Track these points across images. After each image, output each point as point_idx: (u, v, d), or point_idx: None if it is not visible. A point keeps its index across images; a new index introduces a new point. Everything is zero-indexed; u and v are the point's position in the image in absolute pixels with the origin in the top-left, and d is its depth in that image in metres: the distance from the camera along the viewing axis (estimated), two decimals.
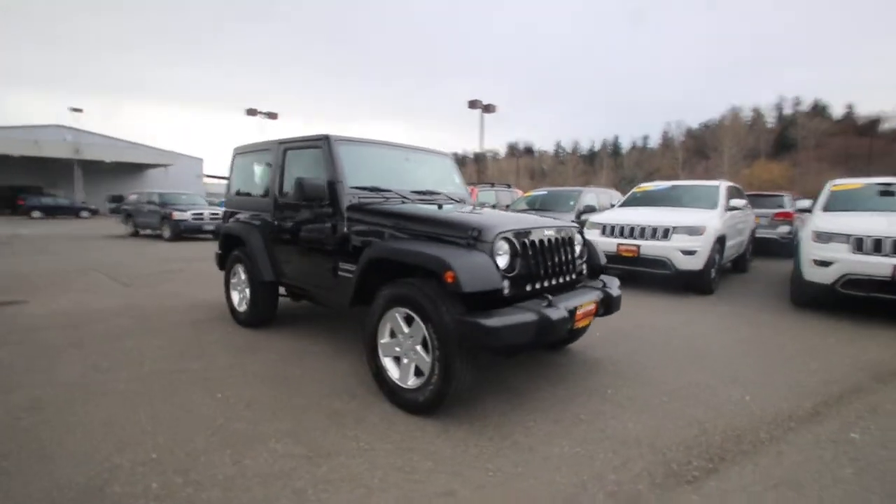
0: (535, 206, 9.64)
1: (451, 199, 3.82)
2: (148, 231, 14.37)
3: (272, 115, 22.84)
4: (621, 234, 6.32)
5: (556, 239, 2.94)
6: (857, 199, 5.86)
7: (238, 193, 4.49)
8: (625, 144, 76.37)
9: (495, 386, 2.96)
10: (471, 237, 2.50)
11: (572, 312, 2.59)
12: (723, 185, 7.21)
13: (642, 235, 6.13)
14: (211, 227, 12.67)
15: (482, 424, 2.47)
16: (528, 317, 2.34)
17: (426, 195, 3.65)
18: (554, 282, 2.86)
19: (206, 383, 2.97)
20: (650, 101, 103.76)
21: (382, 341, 2.72)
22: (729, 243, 6.67)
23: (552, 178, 62.79)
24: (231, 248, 4.41)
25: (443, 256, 2.33)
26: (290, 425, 2.43)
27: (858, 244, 4.67)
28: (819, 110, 62.87)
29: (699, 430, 2.46)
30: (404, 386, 2.59)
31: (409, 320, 2.58)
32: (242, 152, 4.50)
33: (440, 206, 3.16)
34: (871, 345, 4.00)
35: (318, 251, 3.38)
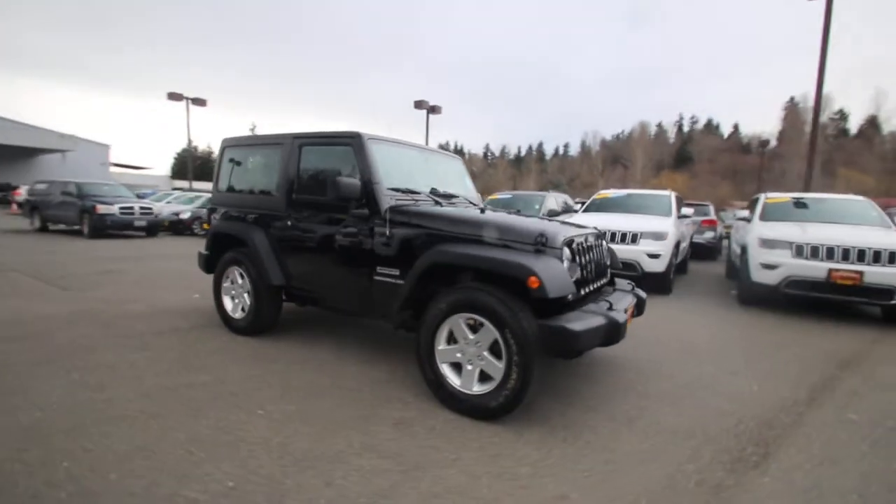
0: (500, 208, 9.88)
1: (470, 202, 3.83)
2: (61, 226, 12.48)
3: (199, 102, 20.78)
4: None
5: (594, 244, 3.09)
6: (785, 210, 6.80)
7: (231, 190, 4.10)
8: (548, 151, 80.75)
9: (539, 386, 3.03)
10: (539, 243, 2.54)
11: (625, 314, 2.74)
12: (672, 194, 7.96)
13: (613, 240, 6.57)
14: (143, 223, 11.31)
15: (550, 426, 2.52)
16: (599, 320, 2.44)
17: (448, 198, 3.62)
18: (596, 285, 3.00)
19: (234, 399, 2.69)
20: (571, 112, 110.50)
21: (440, 348, 2.67)
22: (680, 247, 7.38)
23: (483, 181, 64.41)
24: (223, 249, 4.02)
25: (526, 262, 2.35)
26: (360, 439, 2.30)
27: (799, 250, 5.42)
28: (712, 129, 71.27)
29: (735, 419, 2.72)
30: (469, 392, 2.56)
31: (472, 326, 2.56)
32: (236, 145, 4.12)
33: (483, 210, 3.16)
34: (821, 337, 4.68)
35: (348, 254, 3.21)
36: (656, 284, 6.60)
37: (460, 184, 4.13)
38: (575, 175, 66.26)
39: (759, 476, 2.14)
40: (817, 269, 5.24)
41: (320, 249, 3.38)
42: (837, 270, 5.11)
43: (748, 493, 2.01)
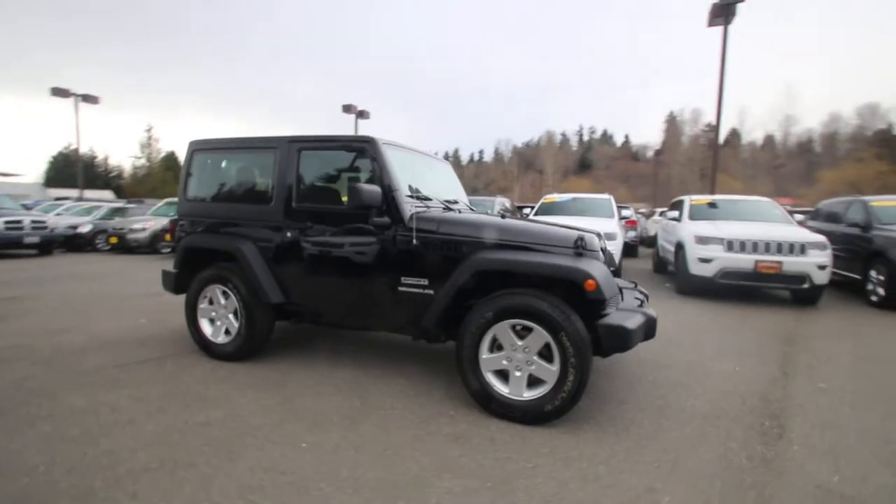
0: None
1: (470, 207, 3.84)
2: None
3: (91, 99, 17.95)
4: None
5: (605, 245, 3.26)
6: (708, 210, 7.73)
7: (204, 199, 3.65)
8: (464, 157, 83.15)
9: None
10: (580, 247, 2.62)
11: None
12: (611, 198, 8.65)
13: None
14: (35, 240, 9.51)
15: (595, 423, 2.60)
16: (641, 317, 2.58)
17: (452, 203, 3.59)
18: None
19: (263, 433, 2.41)
20: (483, 120, 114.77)
21: (484, 357, 2.63)
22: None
23: None
24: (196, 265, 3.57)
25: (581, 266, 2.41)
26: (428, 460, 2.19)
27: (730, 245, 6.19)
28: (607, 138, 78.56)
29: (739, 398, 3.04)
30: (520, 399, 2.55)
31: (518, 332, 2.57)
32: (209, 148, 3.67)
33: (503, 216, 3.17)
34: (758, 319, 5.38)
35: (366, 266, 3.03)
36: None
37: (454, 188, 4.10)
38: (490, 180, 68.96)
39: (788, 445, 2.41)
40: (746, 261, 6.03)
41: (330, 261, 3.14)
42: (762, 261, 5.94)
43: (789, 461, 2.25)
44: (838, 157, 56.67)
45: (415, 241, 2.89)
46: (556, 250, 2.66)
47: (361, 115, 19.47)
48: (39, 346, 3.79)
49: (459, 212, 3.31)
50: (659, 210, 16.31)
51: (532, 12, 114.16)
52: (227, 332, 3.49)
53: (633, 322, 2.45)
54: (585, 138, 79.88)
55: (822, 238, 6.05)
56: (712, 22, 10.59)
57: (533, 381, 2.57)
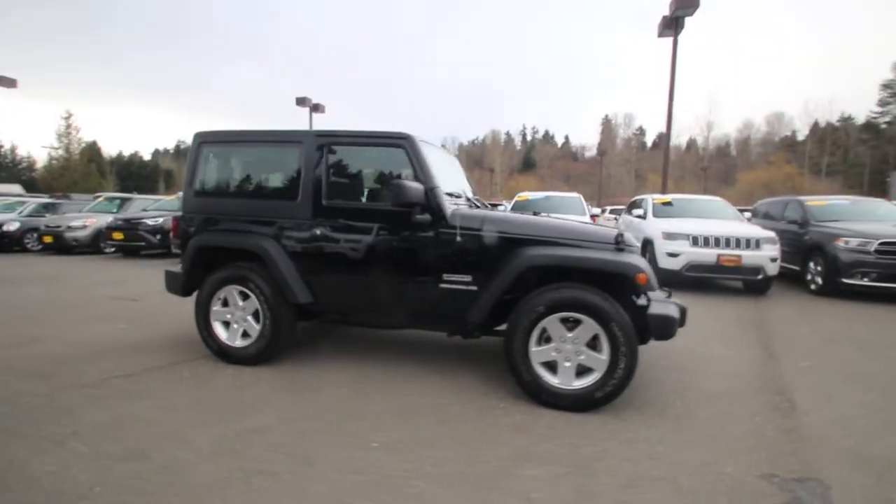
0: None
1: (486, 204, 3.91)
2: None
3: (6, 82, 15.63)
4: None
5: None
6: (668, 208, 8.34)
7: (215, 194, 3.43)
8: None
9: None
10: (620, 242, 2.79)
11: None
12: (580, 196, 9.08)
13: None
14: None
15: (635, 407, 2.78)
16: (676, 308, 2.80)
17: (477, 200, 3.65)
18: None
19: (327, 436, 2.35)
20: (430, 116, 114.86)
21: (534, 349, 2.73)
22: None
23: None
24: (207, 265, 3.35)
25: (632, 261, 2.57)
26: (502, 450, 2.24)
27: (695, 240, 6.75)
28: (549, 139, 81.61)
29: (743, 379, 3.36)
30: (569, 388, 2.68)
31: (567, 324, 2.69)
32: (218, 141, 3.45)
33: (535, 213, 3.27)
34: (724, 307, 5.92)
35: (406, 264, 3.01)
36: None
37: (465, 184, 4.15)
38: None
39: (801, 417, 2.72)
40: (710, 255, 6.60)
41: (366, 260, 3.09)
42: (724, 255, 6.53)
43: (809, 429, 2.55)
44: (751, 160, 62.80)
45: (458, 239, 2.92)
46: (598, 246, 2.81)
47: (316, 108, 18.84)
48: (16, 358, 3.39)
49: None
50: (610, 207, 17.22)
51: (477, 13, 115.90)
52: (246, 334, 3.32)
53: (675, 311, 2.66)
54: (529, 138, 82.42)
55: (772, 234, 6.77)
56: (662, 33, 11.41)
57: (580, 371, 2.71)
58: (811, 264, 7.11)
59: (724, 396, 3.00)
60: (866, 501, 1.92)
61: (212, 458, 2.11)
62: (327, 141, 3.17)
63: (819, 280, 6.87)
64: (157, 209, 10.47)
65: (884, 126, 45.92)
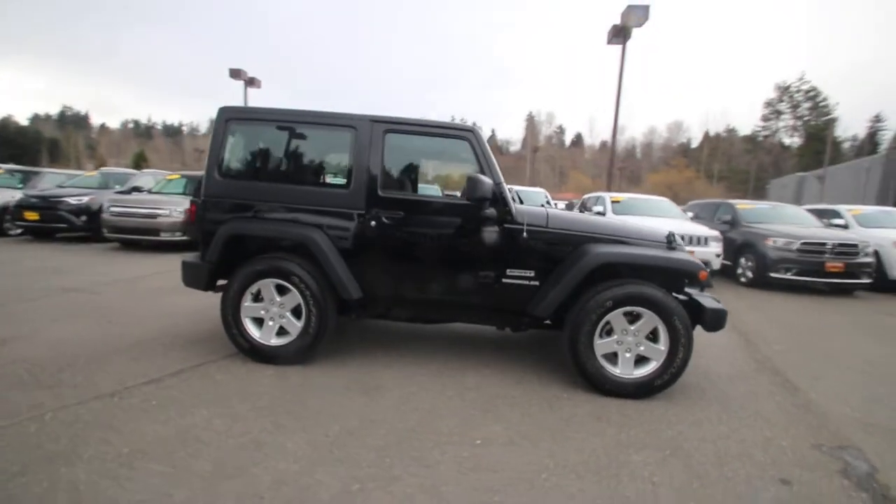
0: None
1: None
2: None
3: None
4: None
5: None
6: (623, 206, 9.02)
7: (248, 178, 3.09)
8: None
9: None
10: (671, 241, 3.02)
11: None
12: (544, 191, 9.48)
13: None
14: None
15: (679, 392, 3.05)
16: (718, 303, 3.09)
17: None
18: None
19: (425, 437, 2.29)
20: (357, 106, 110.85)
21: (598, 342, 2.87)
22: None
23: None
24: (235, 256, 3.04)
25: (694, 259, 2.79)
26: (599, 440, 2.36)
27: None
28: None
29: (742, 364, 3.82)
30: (630, 377, 2.86)
31: (628, 317, 2.87)
32: (249, 119, 3.11)
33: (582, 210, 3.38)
34: None
35: (471, 258, 2.98)
36: None
37: None
38: None
39: (807, 394, 3.18)
40: None
41: (425, 254, 3.00)
42: None
43: (819, 405, 2.99)
44: (653, 163, 69.39)
45: (524, 235, 2.95)
46: (655, 244, 3.02)
47: (252, 83, 17.32)
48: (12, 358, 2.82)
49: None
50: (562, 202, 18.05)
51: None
52: (282, 331, 3.07)
53: (723, 307, 2.95)
54: None
55: (717, 232, 7.65)
56: (611, 41, 12.19)
57: (637, 361, 2.91)
58: (742, 260, 8.14)
59: (737, 378, 3.39)
60: (894, 462, 2.33)
61: (318, 468, 1.97)
62: (386, 128, 3.01)
63: (749, 274, 7.90)
64: (75, 186, 9.06)
65: (760, 139, 53.45)
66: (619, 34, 11.73)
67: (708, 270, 2.86)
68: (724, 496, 1.95)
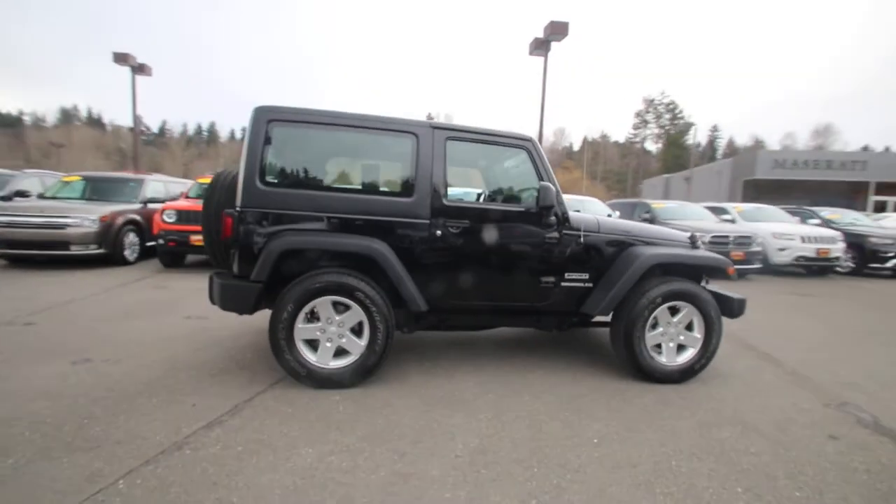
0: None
1: None
2: None
3: None
4: None
5: None
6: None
7: (295, 185, 2.77)
8: (222, 132, 72.72)
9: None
10: (693, 241, 3.42)
11: None
12: (597, 199, 9.86)
13: None
14: None
15: (701, 378, 3.48)
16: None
17: None
18: None
19: (539, 442, 2.33)
20: (248, 94, 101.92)
21: (648, 335, 3.15)
22: None
23: (153, 163, 50.95)
24: (283, 273, 2.74)
25: (721, 257, 3.20)
26: (687, 423, 2.61)
27: None
28: None
29: (725, 343, 4.45)
30: (674, 364, 3.19)
31: (672, 311, 3.20)
32: (294, 121, 2.79)
33: (610, 215, 3.63)
34: None
35: (536, 264, 3.05)
36: None
37: None
38: None
39: (791, 364, 3.83)
40: None
41: (490, 262, 3.00)
42: None
43: (804, 372, 3.63)
44: None
45: (581, 240, 3.12)
46: (683, 244, 3.39)
47: (141, 70, 14.93)
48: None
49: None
50: None
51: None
52: (340, 352, 2.85)
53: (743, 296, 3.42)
54: None
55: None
56: (533, 52, 13.02)
57: (678, 349, 3.25)
58: None
59: (731, 355, 3.95)
60: (884, 410, 2.95)
61: (485, 490, 1.91)
62: (448, 135, 2.94)
63: None
64: None
65: (628, 144, 61.18)
66: (541, 46, 12.59)
67: (734, 267, 3.32)
68: (808, 457, 2.31)
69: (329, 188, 2.91)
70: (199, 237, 6.55)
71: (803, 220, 10.82)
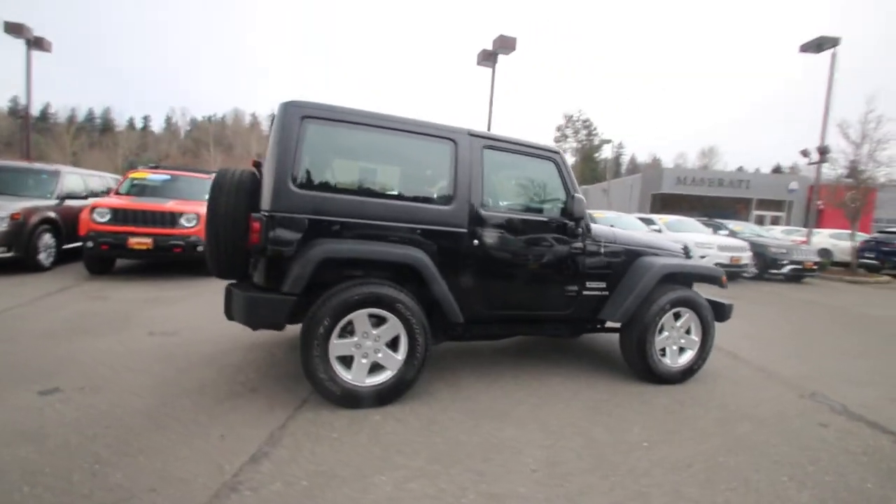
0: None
1: None
2: None
3: None
4: None
5: None
6: None
7: (333, 189, 2.56)
8: (119, 120, 64.81)
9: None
10: (687, 252, 3.72)
11: None
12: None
13: None
14: None
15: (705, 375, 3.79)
16: None
17: None
18: None
19: (615, 448, 2.38)
20: (152, 81, 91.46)
21: (657, 339, 3.37)
22: None
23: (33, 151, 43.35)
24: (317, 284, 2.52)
25: (717, 268, 3.51)
26: (705, 422, 2.83)
27: None
28: None
29: None
30: (679, 366, 3.44)
31: (675, 316, 3.46)
32: (333, 119, 2.57)
33: (612, 226, 3.81)
34: None
35: (560, 274, 3.11)
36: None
37: None
38: (164, 154, 57.19)
39: (756, 361, 4.31)
40: None
41: (521, 272, 3.02)
42: None
43: (769, 368, 4.10)
44: None
45: (602, 250, 3.25)
46: (679, 254, 3.68)
47: (39, 44, 12.66)
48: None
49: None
50: None
51: None
52: (376, 368, 2.68)
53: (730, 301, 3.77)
54: None
55: None
56: (480, 62, 13.33)
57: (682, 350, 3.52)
58: None
59: (720, 357, 4.36)
60: (844, 398, 3.43)
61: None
62: (485, 143, 2.91)
63: None
64: None
65: None
66: (489, 57, 12.95)
67: (726, 277, 3.67)
68: (817, 444, 2.61)
69: (367, 193, 2.73)
70: (140, 240, 5.82)
71: (715, 231, 12.27)
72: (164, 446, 2.12)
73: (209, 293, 5.55)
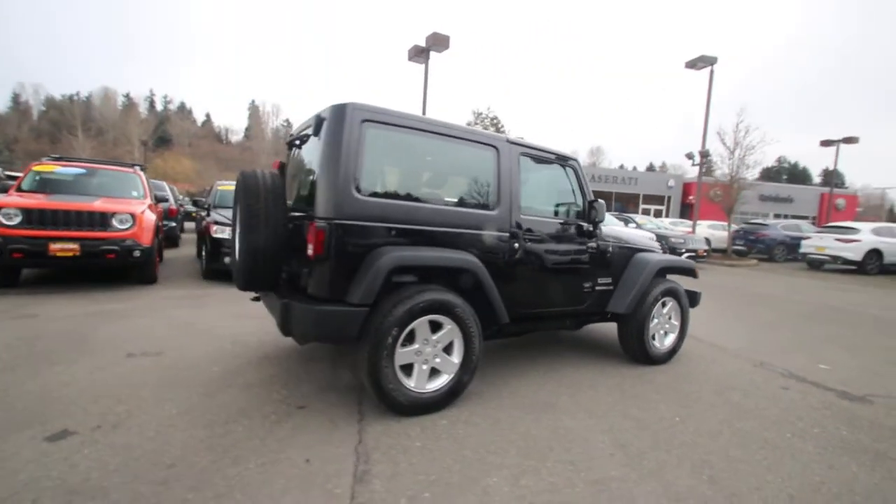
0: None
1: None
2: None
3: None
4: None
5: None
6: None
7: (397, 196, 2.51)
8: None
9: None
10: (664, 247, 4.23)
11: None
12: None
13: None
14: None
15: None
16: None
17: None
18: None
19: (656, 427, 2.69)
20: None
21: (651, 326, 3.81)
22: None
23: None
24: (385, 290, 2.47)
25: (693, 262, 4.05)
26: (710, 400, 3.30)
27: None
28: (186, 113, 70.85)
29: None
30: (665, 349, 3.92)
31: (662, 305, 3.94)
32: (391, 124, 2.48)
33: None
34: None
35: (580, 272, 3.37)
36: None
37: None
38: (13, 139, 47.81)
39: (728, 346, 5.04)
40: None
41: (551, 272, 3.21)
42: None
43: (737, 352, 4.85)
44: None
45: (610, 249, 3.58)
46: (658, 250, 4.17)
47: None
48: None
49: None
50: None
51: None
52: (434, 373, 2.69)
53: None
54: (160, 107, 68.99)
55: None
56: (412, 58, 13.25)
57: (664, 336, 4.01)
58: None
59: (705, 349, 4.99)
60: (785, 364, 4.20)
61: (641, 485, 2.17)
62: (521, 151, 3.03)
63: None
64: None
65: None
66: (421, 53, 12.95)
67: (696, 268, 4.24)
68: (791, 406, 3.20)
69: (423, 198, 2.69)
70: (65, 245, 4.93)
71: (626, 224, 13.76)
72: (253, 479, 1.94)
73: (160, 306, 4.93)
